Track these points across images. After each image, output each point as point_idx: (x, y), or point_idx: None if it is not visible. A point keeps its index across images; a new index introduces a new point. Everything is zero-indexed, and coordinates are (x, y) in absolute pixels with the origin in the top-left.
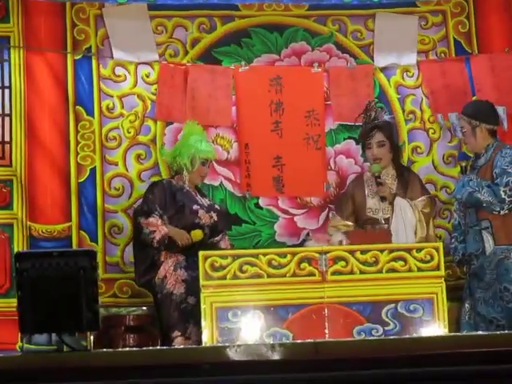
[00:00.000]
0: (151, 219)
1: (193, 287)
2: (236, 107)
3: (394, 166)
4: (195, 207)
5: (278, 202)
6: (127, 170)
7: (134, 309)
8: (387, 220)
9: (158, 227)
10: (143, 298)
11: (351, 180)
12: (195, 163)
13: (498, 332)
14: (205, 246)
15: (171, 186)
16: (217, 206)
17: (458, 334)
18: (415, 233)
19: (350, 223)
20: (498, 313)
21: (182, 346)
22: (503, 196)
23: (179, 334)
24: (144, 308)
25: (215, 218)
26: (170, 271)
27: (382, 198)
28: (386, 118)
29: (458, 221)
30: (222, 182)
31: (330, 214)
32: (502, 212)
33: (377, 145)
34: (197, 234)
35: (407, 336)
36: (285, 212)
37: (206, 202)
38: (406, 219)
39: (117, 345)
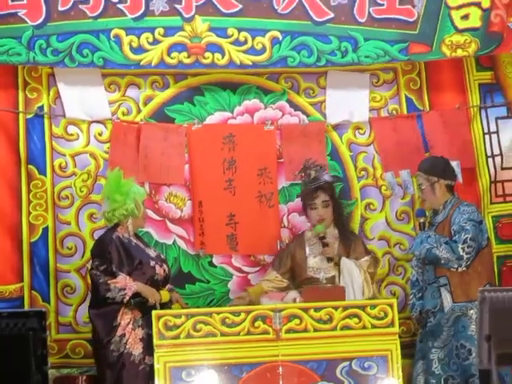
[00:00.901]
0: (120, 277)
1: (150, 346)
2: (189, 165)
3: (335, 226)
4: (152, 263)
5: (231, 259)
6: (80, 229)
7: (86, 369)
8: (329, 279)
9: (127, 285)
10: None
11: (292, 238)
12: (140, 207)
13: None
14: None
15: (123, 242)
16: (163, 256)
17: None
18: (363, 293)
19: (285, 280)
20: (454, 371)
21: None
22: (461, 253)
23: None
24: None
25: (167, 270)
26: (128, 329)
27: (329, 259)
28: (327, 177)
29: (416, 277)
30: (175, 241)
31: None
32: (459, 269)
33: (322, 205)
34: (165, 295)
35: None
36: (238, 270)
37: (153, 252)
38: (353, 280)
39: None
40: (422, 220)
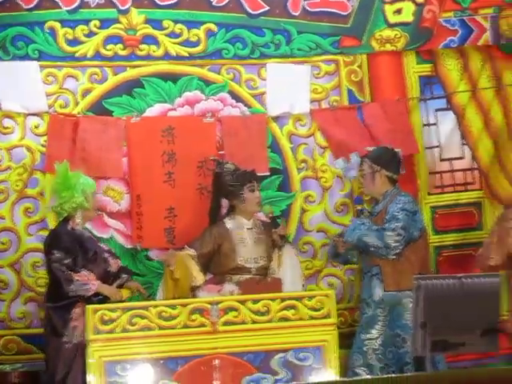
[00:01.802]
0: (83, 272)
1: None
2: (128, 158)
3: None
4: (106, 255)
5: None
6: (14, 224)
7: (19, 365)
8: (260, 269)
9: (90, 281)
10: (29, 355)
11: (214, 226)
12: (90, 199)
13: (385, 376)
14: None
15: (76, 234)
16: (112, 250)
17: (347, 379)
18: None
19: (193, 252)
20: (389, 360)
21: None
22: (389, 241)
23: None
24: (29, 365)
25: (119, 263)
26: (80, 321)
27: (282, 237)
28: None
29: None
30: (112, 235)
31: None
32: (388, 257)
33: (257, 189)
34: (126, 293)
35: (294, 383)
36: None
37: (105, 246)
38: (295, 265)
39: None
40: (359, 207)
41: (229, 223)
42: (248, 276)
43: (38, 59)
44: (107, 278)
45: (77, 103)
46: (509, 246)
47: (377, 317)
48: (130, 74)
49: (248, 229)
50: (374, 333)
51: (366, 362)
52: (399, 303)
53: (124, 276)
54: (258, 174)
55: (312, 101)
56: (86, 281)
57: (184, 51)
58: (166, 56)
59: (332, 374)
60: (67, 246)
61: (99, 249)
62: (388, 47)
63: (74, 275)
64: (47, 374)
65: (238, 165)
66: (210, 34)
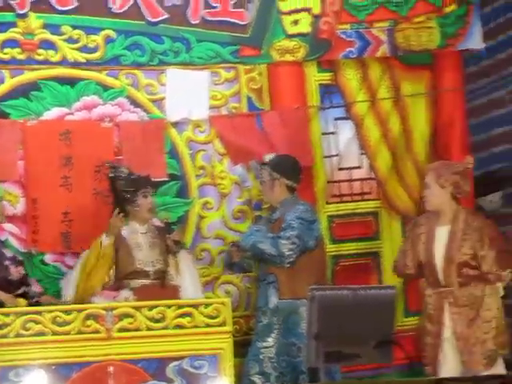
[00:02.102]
0: None
1: None
2: (24, 161)
3: None
4: (7, 263)
5: (64, 258)
6: None
7: None
8: (158, 272)
9: None
10: None
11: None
12: None
13: None
14: None
15: None
16: (19, 258)
17: None
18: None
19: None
20: (284, 368)
21: None
22: (283, 249)
23: None
24: None
25: (22, 271)
26: None
27: (177, 243)
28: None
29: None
30: (7, 238)
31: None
32: (283, 265)
33: (150, 195)
34: (21, 303)
35: None
36: (71, 268)
37: (9, 253)
38: (192, 272)
39: None
40: (257, 214)
41: (123, 229)
42: (146, 280)
43: None
44: (7, 285)
45: None
46: (418, 253)
47: (272, 325)
48: (27, 76)
49: (142, 233)
50: (270, 341)
51: (262, 370)
52: (295, 312)
53: (35, 291)
54: (155, 180)
55: (211, 107)
56: None
57: (82, 57)
58: (64, 61)
59: (227, 382)
60: None
61: (1, 257)
62: (288, 57)
63: None
64: None
65: (132, 170)
66: (108, 40)
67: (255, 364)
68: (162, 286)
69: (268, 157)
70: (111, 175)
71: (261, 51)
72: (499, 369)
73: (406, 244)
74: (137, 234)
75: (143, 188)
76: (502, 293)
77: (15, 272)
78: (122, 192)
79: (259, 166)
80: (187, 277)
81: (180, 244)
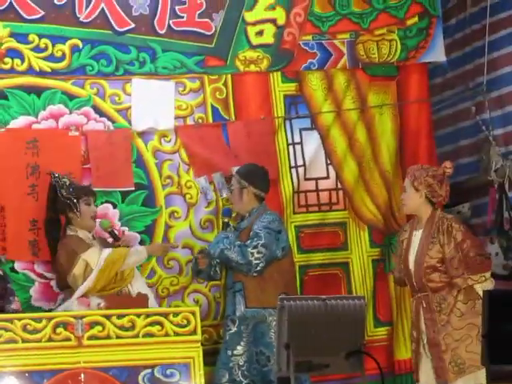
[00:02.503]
0: None
1: None
2: None
3: None
4: None
5: (34, 266)
6: None
7: None
8: None
9: None
10: None
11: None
12: None
13: None
14: None
15: None
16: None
17: None
18: None
19: None
20: (255, 376)
21: None
22: (250, 258)
23: None
24: None
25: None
26: None
27: None
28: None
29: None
30: None
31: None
32: (249, 274)
33: (92, 203)
34: None
35: None
36: (41, 276)
37: None
38: (143, 280)
39: None
40: (226, 220)
41: (79, 234)
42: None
43: None
44: None
45: None
46: (400, 260)
47: (241, 333)
48: None
49: (91, 240)
50: (239, 349)
51: (232, 377)
52: (263, 321)
53: (13, 308)
54: (122, 189)
55: (177, 117)
56: None
57: (47, 66)
58: (30, 70)
59: None
60: None
61: None
62: (252, 68)
63: None
64: None
65: (73, 179)
66: (75, 49)
67: (225, 372)
68: (130, 295)
69: (236, 169)
70: (54, 183)
71: (226, 62)
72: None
73: (396, 251)
74: (91, 240)
75: (85, 196)
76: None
77: None
78: (65, 199)
79: (223, 179)
80: (141, 284)
81: None
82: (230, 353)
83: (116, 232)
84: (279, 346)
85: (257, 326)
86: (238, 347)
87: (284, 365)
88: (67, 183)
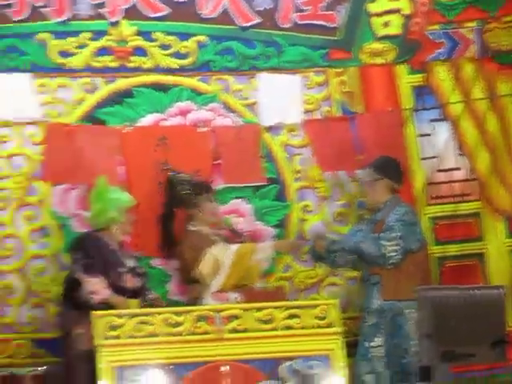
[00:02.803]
0: (95, 279)
1: None
2: (125, 167)
3: None
4: (121, 270)
5: (169, 261)
6: (17, 231)
7: (31, 369)
8: None
9: (100, 289)
10: (40, 359)
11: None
12: (123, 213)
13: None
14: None
15: (99, 241)
16: (139, 270)
17: None
18: None
19: None
20: (395, 367)
21: None
22: (383, 251)
23: None
24: (40, 368)
25: (139, 283)
26: (86, 327)
27: None
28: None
29: None
30: None
31: None
32: (385, 266)
33: (213, 200)
34: (133, 304)
35: None
36: (179, 272)
37: (131, 263)
38: None
39: None
40: (360, 212)
41: (202, 229)
42: None
43: (30, 71)
44: (121, 291)
45: (71, 113)
46: None
47: (379, 325)
48: (120, 84)
49: (213, 236)
50: (378, 341)
51: (373, 369)
52: (400, 313)
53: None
54: (253, 184)
55: (304, 111)
56: (94, 289)
57: (174, 63)
58: (157, 68)
59: (340, 382)
60: (87, 248)
61: (116, 262)
62: (378, 60)
63: (86, 280)
64: (56, 379)
65: (192, 175)
66: (200, 45)
67: (365, 364)
68: (268, 288)
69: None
70: (173, 179)
71: (351, 54)
72: None
73: None
74: (214, 237)
75: (205, 192)
76: None
77: (130, 281)
78: (185, 196)
79: (346, 177)
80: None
81: None
82: (368, 344)
83: (237, 230)
84: (421, 337)
85: (394, 318)
86: (376, 339)
87: (426, 355)
88: (187, 179)
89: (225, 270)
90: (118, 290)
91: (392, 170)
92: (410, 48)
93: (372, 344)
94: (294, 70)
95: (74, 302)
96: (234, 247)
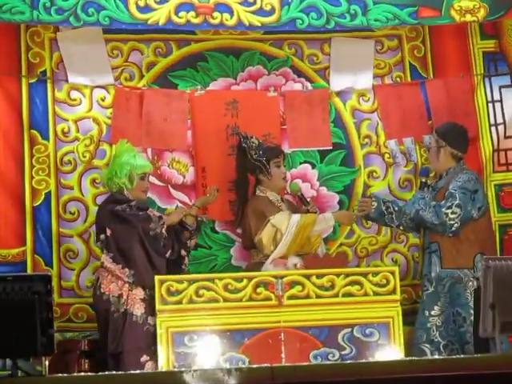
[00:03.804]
0: (151, 209)
1: (153, 307)
2: (192, 131)
3: None
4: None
5: (233, 226)
6: (82, 194)
7: (89, 333)
8: None
9: (160, 215)
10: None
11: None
12: (133, 180)
13: (454, 356)
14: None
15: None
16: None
17: (414, 358)
18: None
19: None
20: (452, 336)
21: (137, 371)
22: (444, 218)
23: (148, 358)
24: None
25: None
26: (125, 289)
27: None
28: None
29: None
30: (177, 206)
31: None
32: (445, 234)
33: (282, 164)
34: (189, 219)
35: (363, 360)
36: (241, 236)
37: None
38: None
39: (72, 370)
40: (423, 179)
41: (268, 195)
42: None
43: (108, 26)
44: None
45: (142, 76)
46: None
47: (438, 294)
48: (193, 48)
49: (280, 202)
50: (437, 309)
51: (430, 338)
52: (459, 282)
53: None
54: (321, 148)
55: (375, 76)
56: (159, 214)
57: (257, 21)
58: (239, 25)
59: (398, 350)
60: (123, 197)
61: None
62: (468, 18)
63: (149, 212)
64: (100, 343)
65: (262, 140)
66: (284, 2)
67: (423, 333)
68: (330, 255)
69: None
70: (243, 145)
71: (440, 12)
72: None
73: None
74: (279, 203)
75: (275, 158)
76: None
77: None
78: (255, 161)
79: (413, 145)
80: None
81: None
82: (427, 313)
83: (305, 196)
84: (484, 307)
85: (453, 286)
86: (436, 307)
87: (489, 325)
88: (256, 144)
89: (286, 240)
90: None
91: (456, 137)
92: (501, 5)
93: (432, 313)
94: (366, 33)
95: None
96: (296, 218)
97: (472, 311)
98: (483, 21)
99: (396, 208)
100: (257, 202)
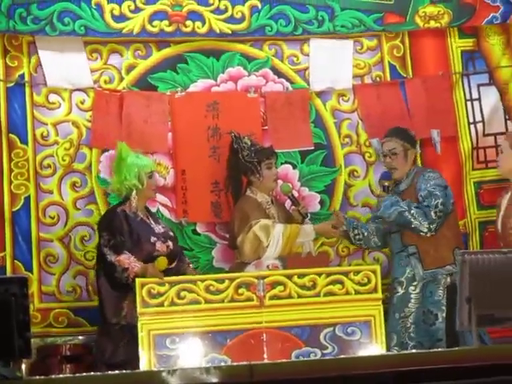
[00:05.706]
0: (122, 256)
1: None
2: (172, 133)
3: None
4: (153, 239)
5: (215, 227)
6: (62, 199)
7: (70, 338)
8: None
9: (130, 264)
10: (79, 328)
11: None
12: (143, 179)
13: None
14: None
15: (127, 216)
16: (171, 233)
17: (388, 353)
18: None
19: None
20: (422, 337)
21: (116, 372)
22: (434, 217)
23: None
24: (80, 337)
25: (171, 246)
26: (128, 302)
27: (304, 215)
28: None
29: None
30: (158, 209)
31: None
32: (428, 234)
33: (274, 166)
34: (161, 263)
35: (342, 356)
36: (222, 238)
37: (160, 229)
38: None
39: (53, 374)
40: (386, 183)
41: (258, 197)
42: None
43: (84, 35)
44: (152, 261)
45: (121, 79)
46: None
47: (409, 295)
48: (173, 49)
49: (269, 204)
50: (407, 311)
51: (400, 341)
52: (433, 280)
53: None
54: (302, 149)
55: (354, 76)
56: (127, 265)
57: (228, 28)
58: (211, 33)
59: (380, 349)
60: (115, 226)
61: (147, 233)
62: (432, 24)
63: (116, 260)
64: (96, 352)
65: (254, 140)
66: (254, 10)
67: (394, 336)
68: (311, 255)
69: (392, 132)
70: (235, 146)
71: (405, 18)
72: None
73: None
74: (269, 204)
75: (266, 159)
76: None
77: (162, 247)
78: (246, 163)
79: (379, 145)
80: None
81: (306, 217)
82: (397, 316)
83: (296, 197)
84: (461, 301)
85: (426, 285)
86: (406, 309)
87: (465, 319)
88: (248, 144)
89: (275, 253)
90: (154, 258)
91: (413, 138)
92: (464, 12)
93: (402, 315)
94: (347, 34)
95: (111, 283)
96: (279, 228)
97: (444, 308)
98: (447, 27)
99: (365, 233)
100: (244, 203)
